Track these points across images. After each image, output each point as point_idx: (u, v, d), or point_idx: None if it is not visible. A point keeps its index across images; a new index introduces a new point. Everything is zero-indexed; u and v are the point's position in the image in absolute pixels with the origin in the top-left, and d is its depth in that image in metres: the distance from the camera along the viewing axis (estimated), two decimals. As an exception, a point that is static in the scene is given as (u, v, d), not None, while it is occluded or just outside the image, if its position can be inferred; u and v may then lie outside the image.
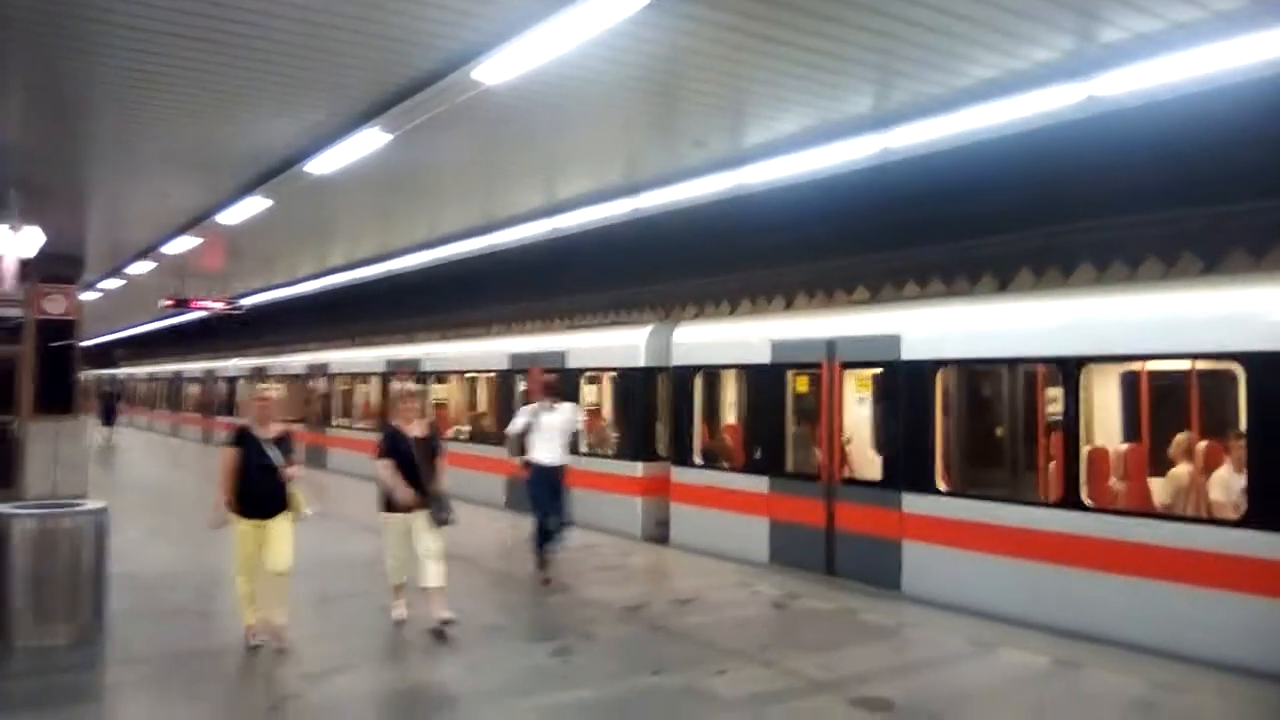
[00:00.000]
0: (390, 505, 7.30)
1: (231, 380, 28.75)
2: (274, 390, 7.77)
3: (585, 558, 10.21)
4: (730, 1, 6.25)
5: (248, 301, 23.18)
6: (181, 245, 15.21)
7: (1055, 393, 8.35)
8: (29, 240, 11.39)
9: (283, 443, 6.91)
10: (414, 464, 7.22)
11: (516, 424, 9.40)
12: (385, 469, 7.29)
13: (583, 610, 8.13)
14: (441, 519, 7.19)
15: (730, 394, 12.31)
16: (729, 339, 11.56)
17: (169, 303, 20.92)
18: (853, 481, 9.61)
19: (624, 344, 12.63)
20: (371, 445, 8.27)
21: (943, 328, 8.97)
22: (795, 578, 9.31)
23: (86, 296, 20.30)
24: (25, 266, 12.25)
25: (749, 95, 8.18)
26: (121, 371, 49.67)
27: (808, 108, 8.32)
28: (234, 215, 12.41)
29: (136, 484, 17.85)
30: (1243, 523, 6.79)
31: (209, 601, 8.52)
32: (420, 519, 7.19)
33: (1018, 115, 7.74)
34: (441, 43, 6.89)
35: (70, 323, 15.37)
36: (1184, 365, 7.86)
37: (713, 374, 11.88)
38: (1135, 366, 8.18)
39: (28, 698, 5.88)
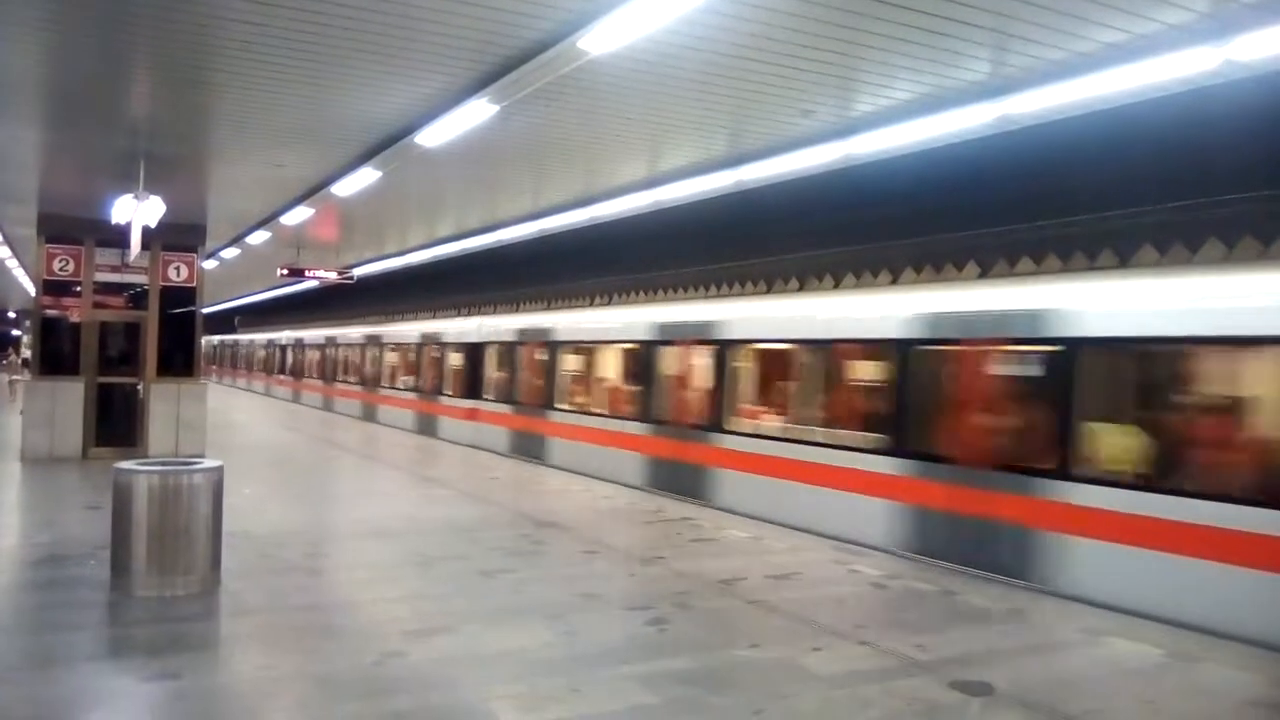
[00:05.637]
0: None
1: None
2: None
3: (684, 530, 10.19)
4: (842, -36, 6.06)
5: (359, 271, 23.80)
6: (297, 216, 15.64)
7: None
8: (153, 210, 11.83)
9: None
10: None
11: None
12: None
13: (678, 582, 8.11)
14: None
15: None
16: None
17: (285, 272, 21.60)
18: None
19: None
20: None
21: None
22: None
23: (208, 265, 21.05)
24: (149, 235, 12.72)
25: (860, 61, 7.94)
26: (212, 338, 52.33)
27: (921, 74, 8.05)
28: (347, 187, 12.68)
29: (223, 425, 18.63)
30: None
31: (317, 558, 8.82)
32: None
33: (1148, 81, 7.35)
34: (549, 12, 6.86)
35: (192, 290, 16.06)
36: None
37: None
38: None
39: (148, 644, 6.16)
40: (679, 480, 13.29)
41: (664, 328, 14.53)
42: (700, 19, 6.76)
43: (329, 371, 31.93)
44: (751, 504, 11.74)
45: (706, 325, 13.43)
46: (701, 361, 13.45)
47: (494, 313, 24.70)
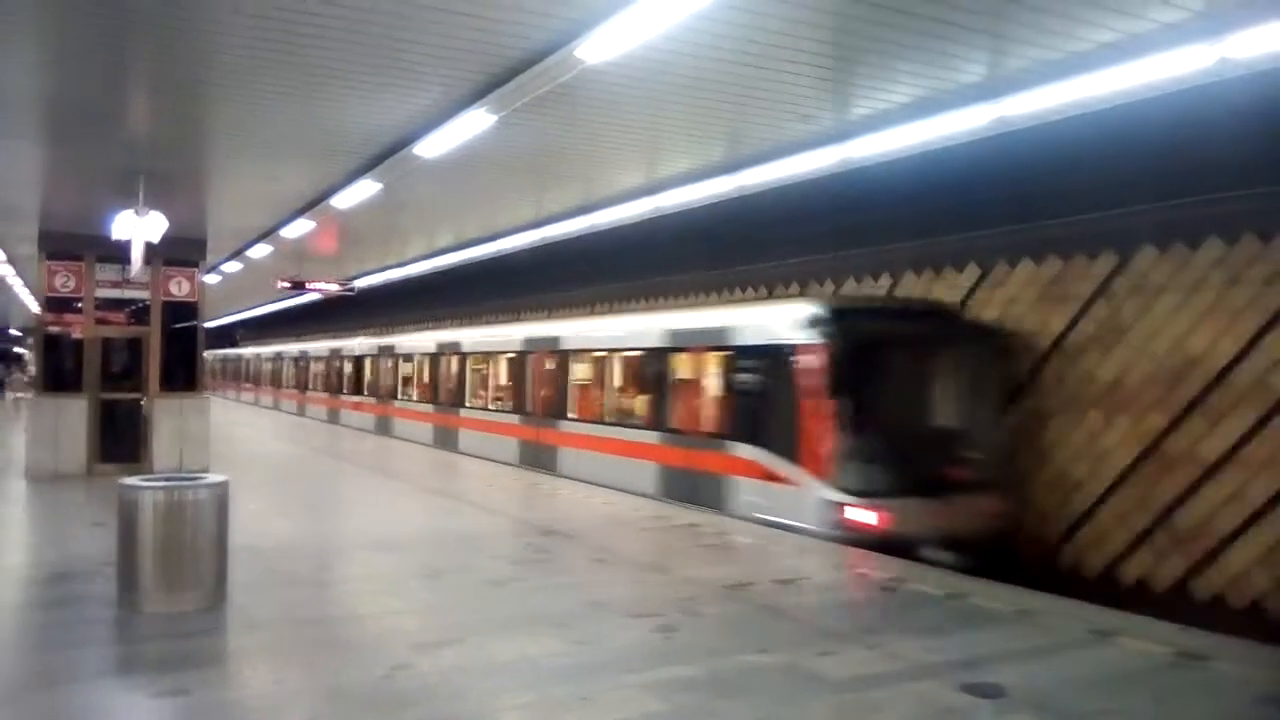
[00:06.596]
0: None
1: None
2: None
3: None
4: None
5: (361, 283, 23.88)
6: (298, 229, 15.68)
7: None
8: (154, 226, 11.85)
9: None
10: None
11: None
12: None
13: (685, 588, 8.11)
14: None
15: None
16: None
17: (286, 284, 21.63)
18: None
19: None
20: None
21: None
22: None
23: (209, 279, 21.08)
24: (150, 250, 12.74)
25: (856, 66, 7.97)
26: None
27: (918, 76, 8.07)
28: (347, 199, 12.70)
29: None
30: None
31: (324, 572, 8.82)
32: None
33: (1144, 81, 7.37)
34: (546, 21, 6.89)
35: (193, 304, 16.09)
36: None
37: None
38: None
39: (156, 660, 6.16)
40: (445, 438, 21.56)
41: (440, 344, 22.74)
42: (696, 25, 6.78)
43: (276, 380, 40.08)
44: (474, 449, 19.80)
45: (455, 342, 21.88)
46: (454, 366, 21.91)
47: (497, 323, 25.01)
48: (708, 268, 17.71)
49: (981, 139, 9.05)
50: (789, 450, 11.08)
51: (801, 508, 10.75)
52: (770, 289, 16.37)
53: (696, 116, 9.49)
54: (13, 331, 57.42)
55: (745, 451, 11.81)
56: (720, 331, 12.70)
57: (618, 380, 15.99)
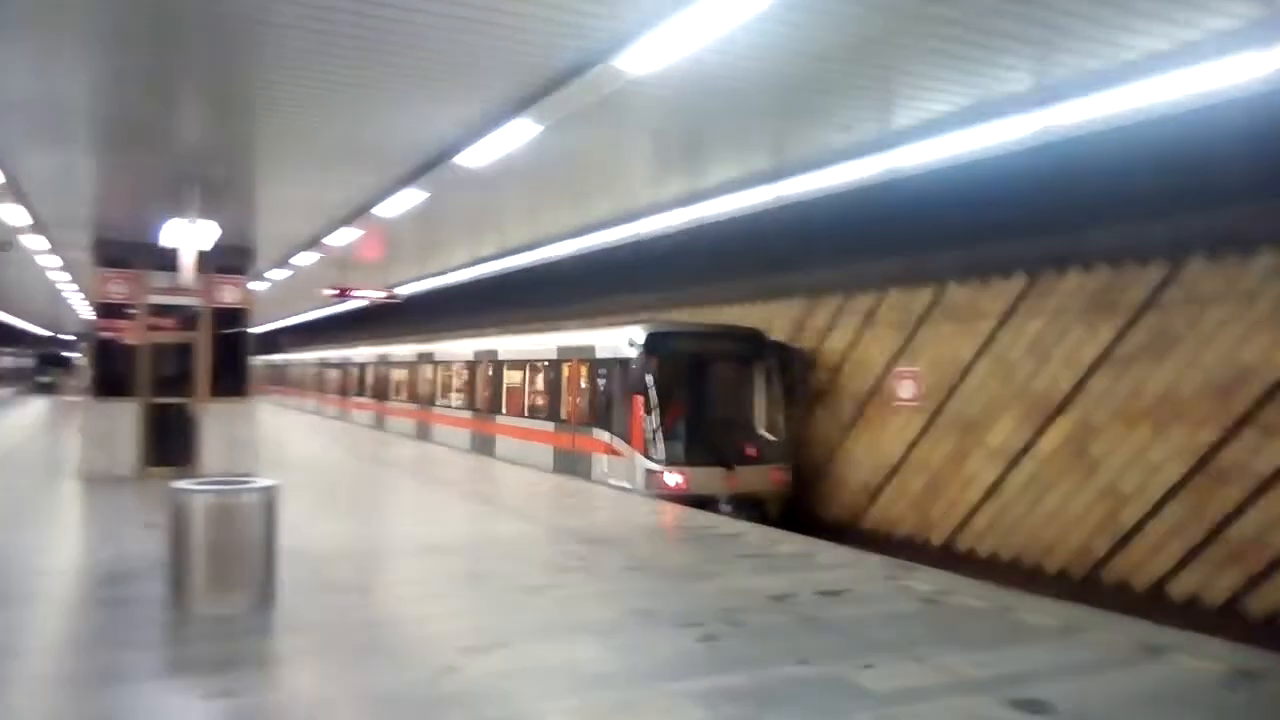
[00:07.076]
0: None
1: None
2: None
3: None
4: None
5: (405, 290, 24.14)
6: (344, 237, 15.89)
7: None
8: (206, 234, 12.07)
9: None
10: None
11: None
12: None
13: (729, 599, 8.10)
14: None
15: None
16: None
17: (333, 292, 21.90)
18: None
19: None
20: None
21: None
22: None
23: (256, 286, 21.42)
24: (201, 258, 12.98)
25: (900, 75, 7.94)
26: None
27: (964, 86, 8.02)
28: (393, 207, 12.86)
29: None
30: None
31: (368, 575, 8.90)
32: None
33: (1190, 92, 7.27)
34: (588, 34, 6.95)
35: (242, 311, 16.34)
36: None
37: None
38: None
39: (206, 661, 6.26)
40: (423, 431, 25.74)
41: (419, 354, 26.84)
42: (738, 37, 6.82)
43: (300, 383, 45.34)
44: (442, 440, 23.78)
45: (430, 353, 25.99)
46: (429, 373, 25.94)
47: (530, 331, 25.31)
48: (748, 277, 17.69)
49: (1027, 149, 8.98)
50: (624, 433, 15.15)
51: (633, 474, 14.74)
52: (813, 298, 16.33)
53: (738, 127, 9.51)
54: (63, 336, 58.64)
55: (600, 435, 15.93)
56: (586, 348, 16.91)
57: (533, 383, 19.79)
